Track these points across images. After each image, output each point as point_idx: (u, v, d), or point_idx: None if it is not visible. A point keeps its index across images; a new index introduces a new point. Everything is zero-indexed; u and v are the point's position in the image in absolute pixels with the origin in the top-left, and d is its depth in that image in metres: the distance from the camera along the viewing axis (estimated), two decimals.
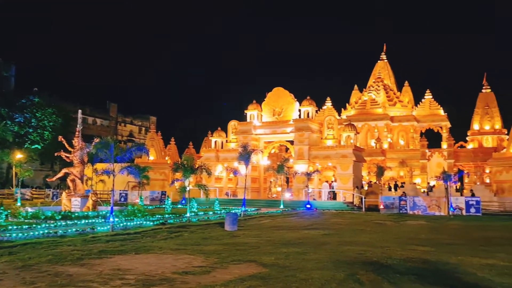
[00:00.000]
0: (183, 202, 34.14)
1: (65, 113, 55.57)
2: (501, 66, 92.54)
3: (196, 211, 26.21)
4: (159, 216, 21.85)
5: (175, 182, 29.66)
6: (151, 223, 19.01)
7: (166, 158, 48.51)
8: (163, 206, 30.21)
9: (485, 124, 45.51)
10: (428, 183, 39.00)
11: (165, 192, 39.20)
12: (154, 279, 8.45)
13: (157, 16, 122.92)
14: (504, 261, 10.85)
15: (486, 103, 45.90)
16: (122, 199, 38.42)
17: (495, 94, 46.49)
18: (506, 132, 44.28)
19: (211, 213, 25.48)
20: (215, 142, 43.88)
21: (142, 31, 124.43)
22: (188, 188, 22.14)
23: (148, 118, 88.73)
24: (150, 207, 31.24)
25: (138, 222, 18.85)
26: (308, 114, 39.57)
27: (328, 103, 52.49)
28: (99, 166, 29.04)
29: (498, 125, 45.42)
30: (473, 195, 31.01)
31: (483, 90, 46.55)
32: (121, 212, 21.11)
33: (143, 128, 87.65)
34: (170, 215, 22.94)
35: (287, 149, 43.69)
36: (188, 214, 21.50)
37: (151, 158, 46.78)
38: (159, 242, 13.77)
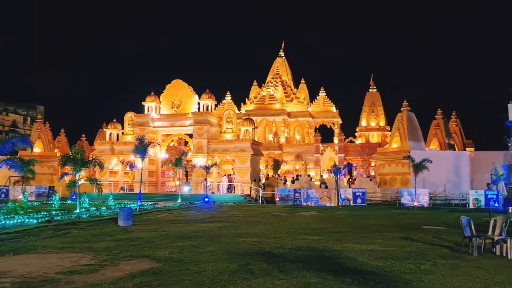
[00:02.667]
0: (74, 197, 32.10)
1: None
2: (389, 67, 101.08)
3: (87, 206, 24.95)
4: (45, 213, 20.45)
5: (65, 176, 28.02)
6: (35, 221, 17.70)
7: (55, 151, 45.49)
8: (51, 202, 28.40)
9: (371, 121, 49.38)
10: (321, 176, 41.28)
11: (54, 187, 36.88)
12: (34, 281, 7.86)
13: None
14: (382, 246, 11.95)
15: (372, 102, 49.91)
16: (3, 195, 35.32)
17: (381, 93, 50.79)
18: (389, 129, 48.11)
19: (104, 208, 24.45)
20: (110, 134, 42.14)
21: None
22: (78, 183, 20.95)
23: (35, 107, 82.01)
24: (36, 204, 29.32)
25: (19, 220, 17.41)
26: (207, 107, 39.55)
27: (228, 97, 52.98)
28: None
29: (382, 123, 49.48)
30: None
31: (370, 90, 50.44)
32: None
33: (29, 118, 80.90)
34: (58, 212, 21.57)
35: (186, 142, 43.35)
36: (78, 210, 20.33)
37: (38, 150, 43.62)
38: (43, 241, 12.84)
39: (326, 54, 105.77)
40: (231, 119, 39.58)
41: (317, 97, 51.86)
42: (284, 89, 52.35)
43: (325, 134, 47.52)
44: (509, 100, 26.73)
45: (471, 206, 28.39)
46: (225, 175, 39.55)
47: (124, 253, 10.66)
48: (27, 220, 17.62)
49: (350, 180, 40.33)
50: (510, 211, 16.51)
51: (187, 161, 38.13)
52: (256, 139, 41.30)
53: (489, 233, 11.14)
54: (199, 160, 37.10)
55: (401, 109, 37.65)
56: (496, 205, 27.57)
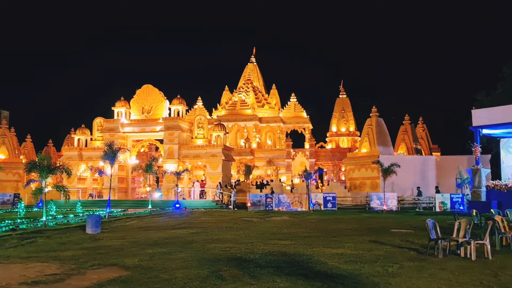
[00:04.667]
0: (40, 205, 31.04)
1: None
2: (358, 73, 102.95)
3: (54, 214, 24.33)
4: (9, 222, 19.71)
5: (31, 183, 27.18)
6: None
7: (21, 157, 44.03)
8: (16, 210, 27.54)
9: (341, 126, 50.10)
10: (292, 181, 41.59)
11: (19, 194, 35.60)
12: None
13: None
14: (351, 249, 12.12)
15: (343, 108, 50.65)
16: None
17: (350, 99, 51.62)
18: (359, 134, 48.62)
19: (71, 216, 23.88)
20: (79, 140, 41.24)
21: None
22: (45, 190, 20.43)
23: None
24: (0, 212, 28.42)
25: None
26: (178, 113, 39.37)
27: (199, 103, 52.85)
28: None
29: (352, 128, 50.30)
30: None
31: (340, 96, 51.19)
32: None
33: None
34: (23, 220, 20.90)
35: (157, 148, 42.95)
36: (44, 218, 19.79)
37: (2, 157, 42.15)
38: (6, 251, 12.41)
39: (297, 60, 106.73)
40: (203, 124, 39.53)
41: (288, 102, 52.35)
42: (256, 94, 52.63)
43: (296, 139, 48.19)
44: (472, 106, 27.59)
45: (437, 209, 28.89)
46: (197, 180, 39.41)
47: (91, 262, 10.43)
48: None
49: (320, 185, 40.75)
50: (474, 213, 16.98)
51: (158, 167, 37.85)
52: (227, 144, 41.33)
53: (454, 235, 11.41)
54: (170, 166, 36.94)
55: (370, 114, 38.17)
56: (461, 208, 28.15)
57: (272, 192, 32.58)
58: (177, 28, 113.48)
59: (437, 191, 31.31)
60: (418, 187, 32.80)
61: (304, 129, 50.07)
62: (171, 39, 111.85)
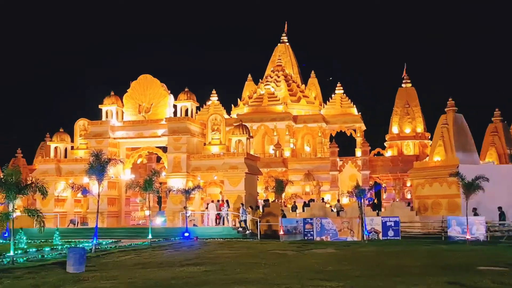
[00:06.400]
0: (6, 235, 31.30)
1: None
2: (423, 55, 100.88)
3: (25, 247, 24.55)
4: None
5: None
6: None
7: None
8: None
9: (405, 126, 49.15)
10: (339, 200, 40.87)
11: None
12: None
13: None
14: None
15: (406, 101, 49.54)
16: None
17: (417, 89, 50.39)
18: (429, 137, 47.68)
19: (48, 249, 24.03)
20: (56, 149, 41.62)
21: None
22: (13, 215, 20.55)
23: None
24: None
25: None
26: (186, 111, 39.11)
27: (214, 98, 52.48)
28: None
29: (420, 128, 49.25)
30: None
31: (402, 85, 50.16)
32: None
33: None
34: None
35: (158, 158, 42.72)
36: (12, 253, 19.91)
37: None
38: None
39: (339, 39, 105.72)
40: (219, 126, 39.12)
41: (333, 95, 51.85)
42: (289, 85, 52.35)
43: (344, 144, 48.22)
44: None
45: None
46: (212, 201, 38.99)
47: None
48: None
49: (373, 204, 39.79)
50: None
51: (161, 183, 37.64)
52: (252, 152, 40.41)
53: None
54: (177, 182, 36.41)
55: (446, 109, 37.03)
56: None
57: (313, 216, 31.99)
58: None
59: None
60: (500, 208, 31.78)
61: (355, 130, 49.22)
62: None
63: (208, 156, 37.62)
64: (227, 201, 35.39)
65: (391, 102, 50.06)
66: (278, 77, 53.14)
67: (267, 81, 53.52)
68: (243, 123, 40.59)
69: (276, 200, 37.63)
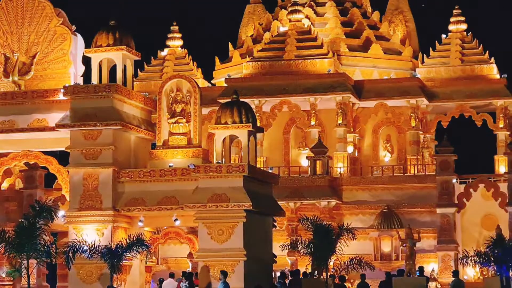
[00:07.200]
0: None
1: None
2: None
3: None
4: None
5: None
6: None
7: None
8: None
9: None
10: (457, 272, 29.51)
11: None
12: None
13: None
14: None
15: None
16: None
17: None
18: None
19: None
20: None
21: None
22: None
23: None
24: None
25: None
26: (113, 72, 28.32)
27: (175, 42, 41.78)
28: None
29: None
30: None
31: None
32: None
33: None
34: None
35: (50, 178, 32.57)
36: None
37: None
38: None
39: None
40: (186, 105, 27.50)
41: (443, 37, 39.16)
42: (344, 11, 40.27)
43: (466, 145, 38.11)
44: None
45: None
46: (170, 274, 30.04)
47: None
48: None
49: None
50: None
51: (55, 234, 29.60)
52: (261, 163, 32.54)
53: None
54: (90, 231, 25.98)
55: None
56: None
57: None
58: None
59: None
60: None
61: (493, 114, 37.47)
62: None
63: (161, 174, 25.82)
64: (205, 270, 24.65)
65: None
66: None
67: (294, 3, 38.97)
68: (240, 99, 28.00)
69: (317, 273, 26.11)
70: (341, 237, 25.85)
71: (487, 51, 39.12)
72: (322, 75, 36.75)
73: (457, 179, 34.12)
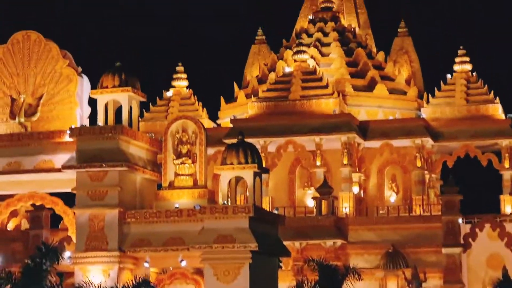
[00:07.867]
0: None
1: None
2: None
3: None
4: None
5: None
6: None
7: None
8: None
9: None
10: None
11: None
12: None
13: None
14: None
15: None
16: None
17: None
18: None
19: None
20: None
21: None
22: None
23: None
24: None
25: None
26: (118, 112, 28.49)
27: (181, 82, 42.61)
28: None
29: None
30: None
31: None
32: None
33: None
34: None
35: (55, 218, 31.94)
36: None
37: None
38: None
39: None
40: (191, 146, 27.54)
41: (448, 77, 39.22)
42: (349, 51, 40.53)
43: (471, 185, 37.48)
44: None
45: None
46: None
47: None
48: None
49: None
50: None
51: (61, 274, 27.52)
52: (266, 204, 32.36)
53: None
54: (96, 273, 25.78)
55: None
56: None
57: None
58: None
59: None
60: None
61: (498, 154, 37.21)
62: None
63: (167, 214, 26.06)
64: None
65: None
66: (325, 33, 39.71)
67: (299, 44, 39.29)
68: (245, 139, 27.84)
69: None
70: (347, 278, 25.73)
71: (492, 91, 39.10)
72: (327, 115, 37.19)
73: (462, 219, 34.07)
